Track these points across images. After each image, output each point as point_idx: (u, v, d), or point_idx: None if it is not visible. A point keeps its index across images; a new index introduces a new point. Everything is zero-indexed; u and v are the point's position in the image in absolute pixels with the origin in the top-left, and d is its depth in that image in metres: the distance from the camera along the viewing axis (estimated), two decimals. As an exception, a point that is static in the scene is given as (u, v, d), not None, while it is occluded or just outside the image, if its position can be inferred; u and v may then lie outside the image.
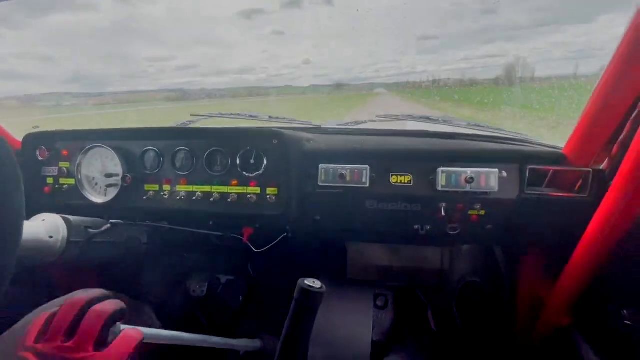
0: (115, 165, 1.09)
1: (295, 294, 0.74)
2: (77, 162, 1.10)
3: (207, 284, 1.41)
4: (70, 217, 0.89)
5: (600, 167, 0.86)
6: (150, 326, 0.91)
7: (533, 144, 1.02)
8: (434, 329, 1.34)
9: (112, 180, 1.09)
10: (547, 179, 0.92)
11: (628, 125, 0.77)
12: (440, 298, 1.40)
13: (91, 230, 0.93)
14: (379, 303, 1.45)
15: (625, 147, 0.79)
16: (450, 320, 1.34)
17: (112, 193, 1.08)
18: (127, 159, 1.07)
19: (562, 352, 0.97)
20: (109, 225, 0.96)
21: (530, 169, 0.88)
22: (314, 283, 0.73)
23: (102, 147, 1.08)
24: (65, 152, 1.14)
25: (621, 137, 0.79)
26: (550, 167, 0.89)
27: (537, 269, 1.11)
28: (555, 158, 0.90)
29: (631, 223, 0.71)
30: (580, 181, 0.88)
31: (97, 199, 1.09)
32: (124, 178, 1.05)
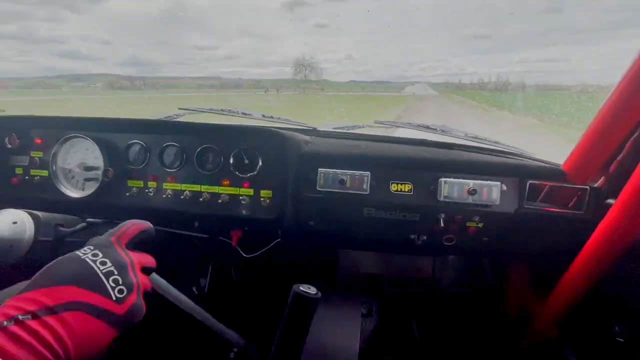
0: (95, 158, 1.00)
1: (290, 300, 0.70)
2: (53, 152, 1.01)
3: (183, 287, 1.34)
4: (39, 213, 0.81)
5: (596, 185, 0.88)
6: None
7: (530, 158, 1.02)
8: (417, 337, 1.33)
9: (91, 174, 1.01)
10: (542, 194, 0.92)
11: (628, 145, 0.78)
12: (426, 307, 1.40)
13: (63, 229, 0.84)
14: (363, 310, 1.42)
15: (623, 166, 0.81)
16: (435, 330, 1.33)
17: (91, 188, 0.99)
18: (110, 152, 0.99)
19: None
20: (84, 224, 0.88)
21: (530, 183, 0.89)
22: (309, 289, 0.69)
23: (82, 137, 0.99)
24: (38, 141, 1.04)
25: (620, 156, 0.81)
26: (548, 183, 0.89)
27: (524, 282, 1.12)
28: (555, 174, 0.90)
29: (631, 242, 0.72)
30: (575, 198, 0.89)
31: (74, 193, 1.01)
32: (105, 172, 0.97)
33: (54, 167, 1.01)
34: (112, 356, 0.90)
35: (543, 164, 0.96)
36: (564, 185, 0.88)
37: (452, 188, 0.88)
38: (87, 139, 0.98)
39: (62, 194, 1.00)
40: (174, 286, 0.85)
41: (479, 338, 1.25)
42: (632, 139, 0.76)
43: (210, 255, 1.39)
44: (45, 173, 1.03)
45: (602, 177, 0.87)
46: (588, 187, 0.86)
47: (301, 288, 0.66)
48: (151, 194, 0.99)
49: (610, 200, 0.82)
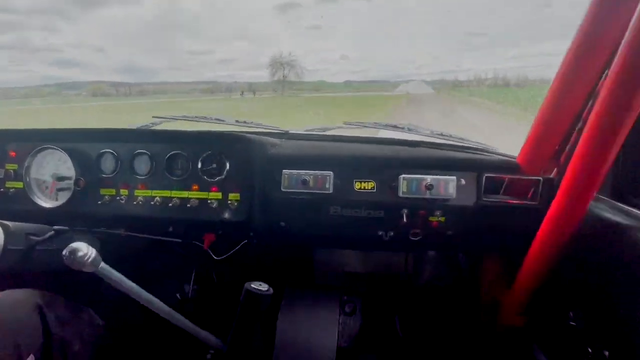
0: (68, 168, 1.03)
1: (242, 297, 0.73)
2: (26, 164, 1.03)
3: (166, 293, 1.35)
4: (9, 223, 0.83)
5: (550, 176, 0.91)
6: (91, 326, 0.89)
7: (491, 153, 1.06)
8: (400, 333, 1.35)
9: (64, 184, 1.03)
10: (503, 187, 0.95)
11: (574, 135, 0.81)
12: (407, 303, 1.42)
13: (34, 238, 0.86)
14: (347, 309, 1.44)
15: (571, 156, 0.84)
16: (416, 325, 1.36)
17: (64, 197, 1.02)
18: (81, 162, 1.01)
19: (517, 352, 1.00)
20: (52, 232, 0.90)
21: (486, 177, 0.92)
22: (260, 285, 0.72)
23: (54, 148, 1.02)
24: (12, 154, 1.07)
25: (567, 147, 0.84)
26: (505, 176, 0.92)
27: (494, 273, 1.15)
28: (510, 167, 0.93)
29: (575, 228, 0.75)
30: (533, 189, 0.92)
31: (47, 203, 1.03)
32: (76, 181, 0.99)
33: (28, 179, 1.04)
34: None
35: (500, 158, 0.99)
36: (519, 177, 0.92)
37: (410, 184, 0.91)
38: (59, 150, 1.01)
39: (36, 204, 1.03)
40: (158, 293, 0.88)
41: (455, 330, 1.28)
42: (576, 129, 0.80)
43: (192, 261, 1.41)
44: (20, 185, 1.05)
45: (555, 169, 0.90)
46: (541, 179, 0.89)
47: (252, 285, 0.69)
48: (123, 202, 1.01)
49: None
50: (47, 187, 1.06)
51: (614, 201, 0.77)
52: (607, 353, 0.67)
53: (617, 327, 0.68)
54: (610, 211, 0.75)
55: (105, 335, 0.97)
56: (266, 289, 0.70)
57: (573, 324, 0.78)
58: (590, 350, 0.70)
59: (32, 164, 1.04)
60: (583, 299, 0.79)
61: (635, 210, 0.71)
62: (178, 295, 1.43)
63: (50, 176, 1.05)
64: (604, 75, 0.70)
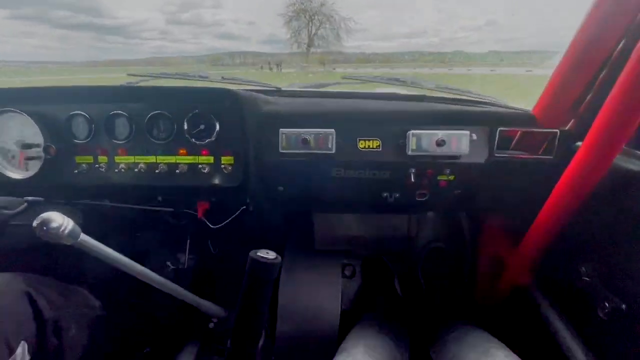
0: (34, 134, 0.91)
1: (247, 267, 0.68)
2: None
3: (160, 266, 1.30)
4: None
5: (566, 128, 0.85)
6: (86, 307, 0.83)
7: (501, 106, 0.99)
8: (400, 295, 1.36)
9: (32, 152, 0.92)
10: (514, 141, 0.90)
11: (596, 85, 0.75)
12: (406, 264, 1.41)
13: (6, 212, 0.77)
14: (346, 272, 1.44)
15: (592, 108, 0.78)
16: (416, 286, 1.36)
17: (35, 167, 0.91)
18: (49, 126, 0.89)
19: (522, 309, 1.01)
20: (25, 204, 0.81)
21: (500, 131, 0.85)
22: (267, 254, 0.67)
23: (15, 111, 0.89)
24: None
25: (589, 97, 0.78)
26: (520, 129, 0.86)
27: (498, 232, 1.14)
28: (525, 119, 0.87)
29: (595, 184, 0.71)
30: (546, 142, 0.87)
31: (16, 174, 0.92)
32: (46, 149, 0.88)
33: None
34: (92, 341, 0.88)
35: (513, 111, 0.93)
36: (534, 130, 0.86)
37: (420, 140, 0.84)
38: (21, 113, 0.88)
39: (3, 175, 0.92)
40: (152, 265, 0.82)
41: (456, 289, 1.29)
42: (600, 77, 0.73)
43: (187, 231, 1.35)
44: None
45: (572, 120, 0.84)
46: (558, 131, 0.83)
47: (258, 253, 0.64)
48: (103, 170, 0.91)
49: (579, 143, 0.80)
50: (13, 157, 0.94)
51: (637, 151, 0.73)
52: (624, 306, 0.66)
53: (634, 280, 0.66)
54: (632, 162, 0.71)
55: (102, 316, 0.91)
56: (274, 257, 0.64)
57: (586, 279, 0.76)
58: (607, 304, 0.69)
59: None
60: (595, 253, 0.77)
61: None
62: (173, 265, 1.38)
63: (14, 144, 0.93)
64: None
